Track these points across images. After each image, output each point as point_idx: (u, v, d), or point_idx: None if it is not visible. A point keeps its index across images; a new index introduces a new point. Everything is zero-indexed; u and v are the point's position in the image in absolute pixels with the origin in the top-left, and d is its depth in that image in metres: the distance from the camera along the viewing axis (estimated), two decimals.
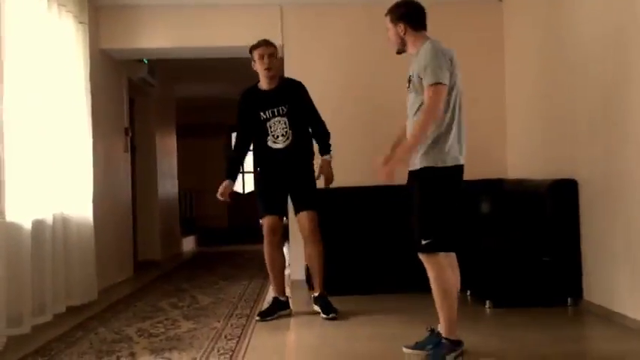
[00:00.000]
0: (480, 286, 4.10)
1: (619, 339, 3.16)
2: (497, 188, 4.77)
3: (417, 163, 2.77)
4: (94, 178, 4.55)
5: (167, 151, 7.91)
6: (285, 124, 3.77)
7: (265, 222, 3.86)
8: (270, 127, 3.78)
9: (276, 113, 3.77)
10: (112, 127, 5.47)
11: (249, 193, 11.79)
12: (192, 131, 11.18)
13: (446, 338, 2.73)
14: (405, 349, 2.89)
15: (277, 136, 3.78)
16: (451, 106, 2.74)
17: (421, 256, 2.77)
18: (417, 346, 2.86)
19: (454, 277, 2.88)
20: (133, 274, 5.92)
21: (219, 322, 3.70)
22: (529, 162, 4.73)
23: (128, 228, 5.96)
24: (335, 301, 3.87)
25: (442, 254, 2.76)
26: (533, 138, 4.69)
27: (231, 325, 3.60)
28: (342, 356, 3.00)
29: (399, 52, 2.96)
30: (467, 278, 4.28)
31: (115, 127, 5.61)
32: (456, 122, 2.75)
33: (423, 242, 2.72)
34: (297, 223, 3.93)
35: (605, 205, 3.60)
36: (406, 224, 2.91)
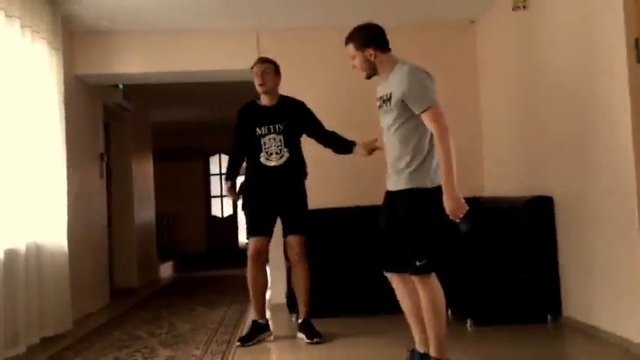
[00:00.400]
0: (461, 305, 4.10)
1: (599, 354, 3.17)
2: (474, 206, 4.78)
3: (402, 183, 2.71)
4: (69, 205, 4.47)
5: (143, 175, 7.83)
6: (280, 142, 3.75)
7: (252, 243, 3.82)
8: (265, 144, 3.76)
9: (272, 130, 3.76)
10: (86, 152, 5.40)
11: (227, 217, 11.74)
12: (169, 156, 11.13)
13: (436, 358, 2.69)
14: None
15: (271, 154, 3.75)
16: (429, 135, 2.69)
17: (415, 278, 2.71)
18: None
19: (417, 301, 2.83)
20: (110, 302, 5.80)
21: (198, 349, 3.63)
22: (505, 180, 4.79)
23: (104, 255, 5.85)
24: (318, 324, 3.83)
25: (434, 274, 2.71)
26: (508, 156, 4.75)
27: (211, 352, 3.53)
28: None
29: (369, 77, 2.89)
30: (447, 297, 4.31)
31: (90, 153, 5.54)
32: (433, 152, 2.70)
33: (418, 264, 2.66)
34: (286, 245, 3.89)
35: (581, 220, 3.65)
36: (381, 243, 2.84)
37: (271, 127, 3.76)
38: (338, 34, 5.09)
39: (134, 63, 5.17)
